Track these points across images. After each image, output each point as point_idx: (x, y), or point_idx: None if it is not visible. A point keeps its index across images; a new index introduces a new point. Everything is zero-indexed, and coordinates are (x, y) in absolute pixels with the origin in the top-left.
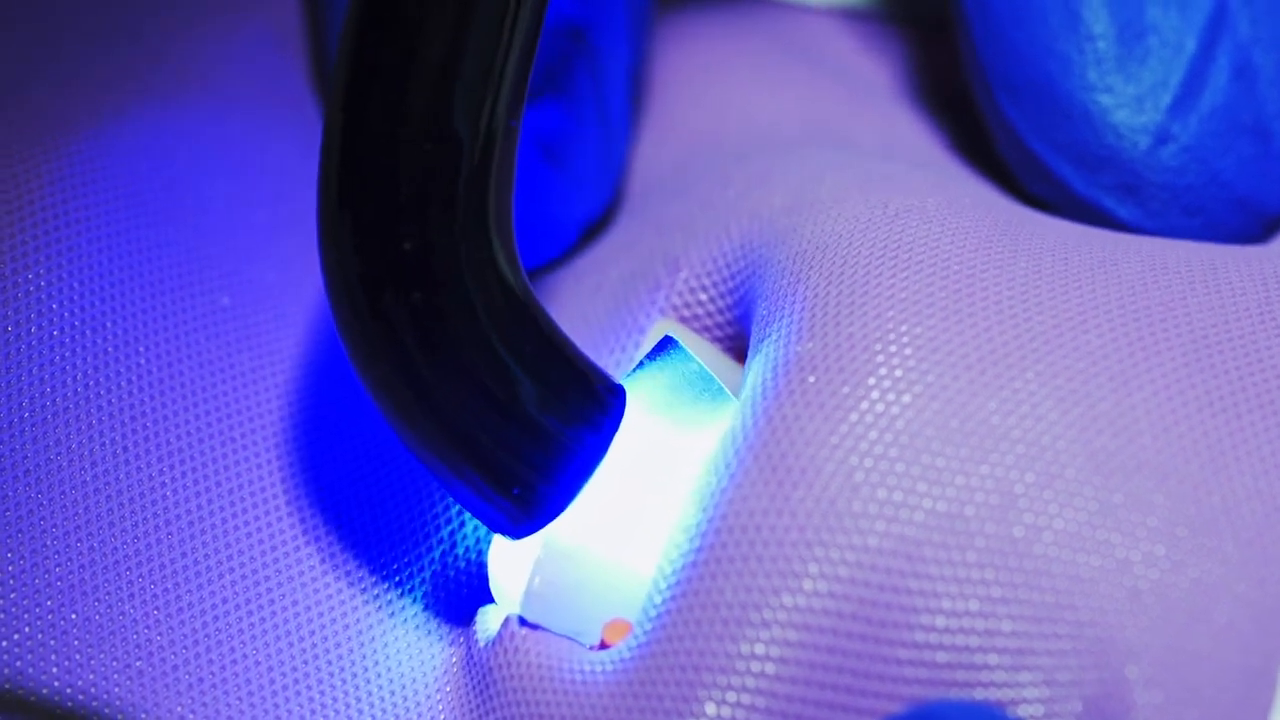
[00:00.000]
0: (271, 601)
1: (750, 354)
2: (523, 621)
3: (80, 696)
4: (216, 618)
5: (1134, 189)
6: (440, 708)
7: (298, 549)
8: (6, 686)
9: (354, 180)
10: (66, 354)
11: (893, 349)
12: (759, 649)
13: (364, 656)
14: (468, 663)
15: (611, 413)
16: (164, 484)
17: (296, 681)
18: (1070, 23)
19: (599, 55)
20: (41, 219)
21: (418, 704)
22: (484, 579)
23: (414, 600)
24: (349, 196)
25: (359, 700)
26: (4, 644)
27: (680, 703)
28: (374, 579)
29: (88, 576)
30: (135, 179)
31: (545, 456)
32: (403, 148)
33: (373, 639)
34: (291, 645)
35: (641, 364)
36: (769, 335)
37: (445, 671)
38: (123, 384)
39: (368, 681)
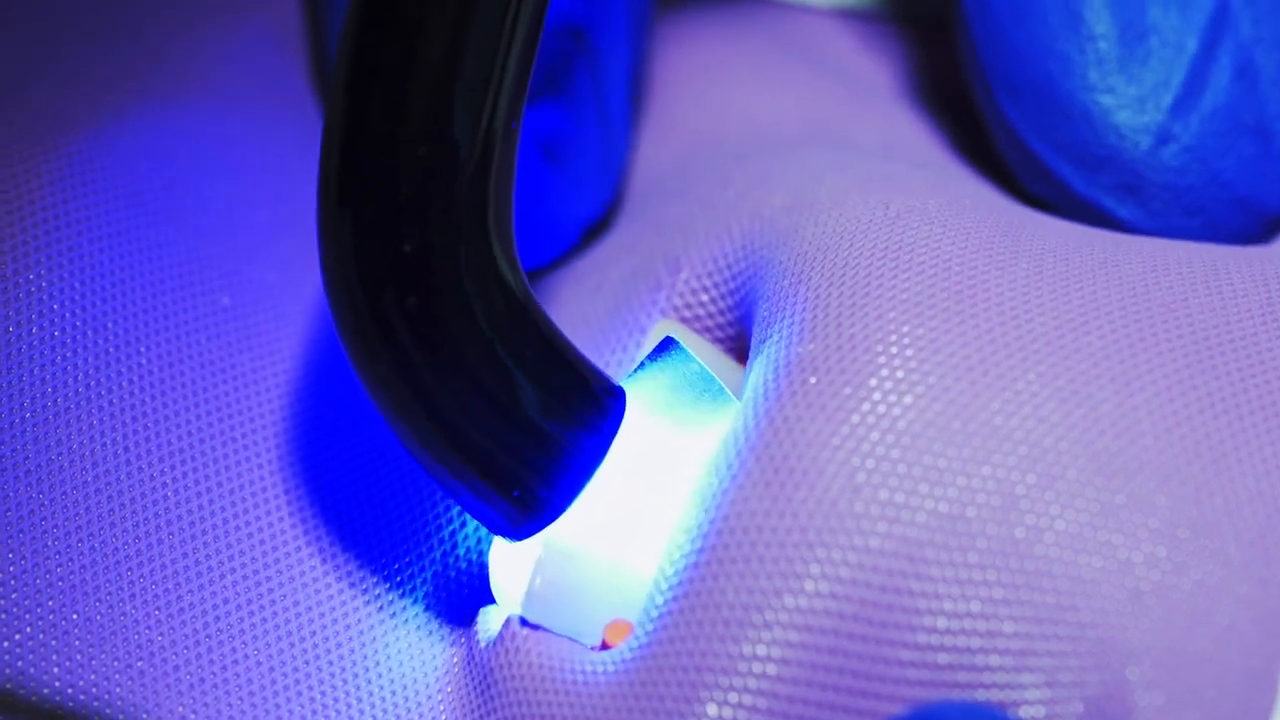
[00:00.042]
0: (273, 601)
1: (751, 355)
2: (524, 622)
3: (81, 696)
4: (218, 618)
5: (1135, 189)
6: (441, 708)
7: (299, 549)
8: (8, 686)
9: (354, 181)
10: (67, 354)
11: (894, 350)
12: (760, 650)
13: (365, 657)
14: (469, 663)
15: (611, 415)
16: (165, 484)
17: (298, 681)
18: (1071, 23)
19: (599, 55)
20: (42, 219)
21: (419, 704)
22: (485, 579)
23: (415, 600)
24: (349, 197)
25: (360, 700)
26: (5, 644)
27: (682, 703)
28: (375, 579)
29: (89, 576)
30: (135, 179)
31: (545, 459)
32: (402, 148)
33: (374, 639)
34: (293, 645)
35: (642, 364)
36: (770, 336)
37: (446, 672)
38: (124, 384)
39: (369, 682)
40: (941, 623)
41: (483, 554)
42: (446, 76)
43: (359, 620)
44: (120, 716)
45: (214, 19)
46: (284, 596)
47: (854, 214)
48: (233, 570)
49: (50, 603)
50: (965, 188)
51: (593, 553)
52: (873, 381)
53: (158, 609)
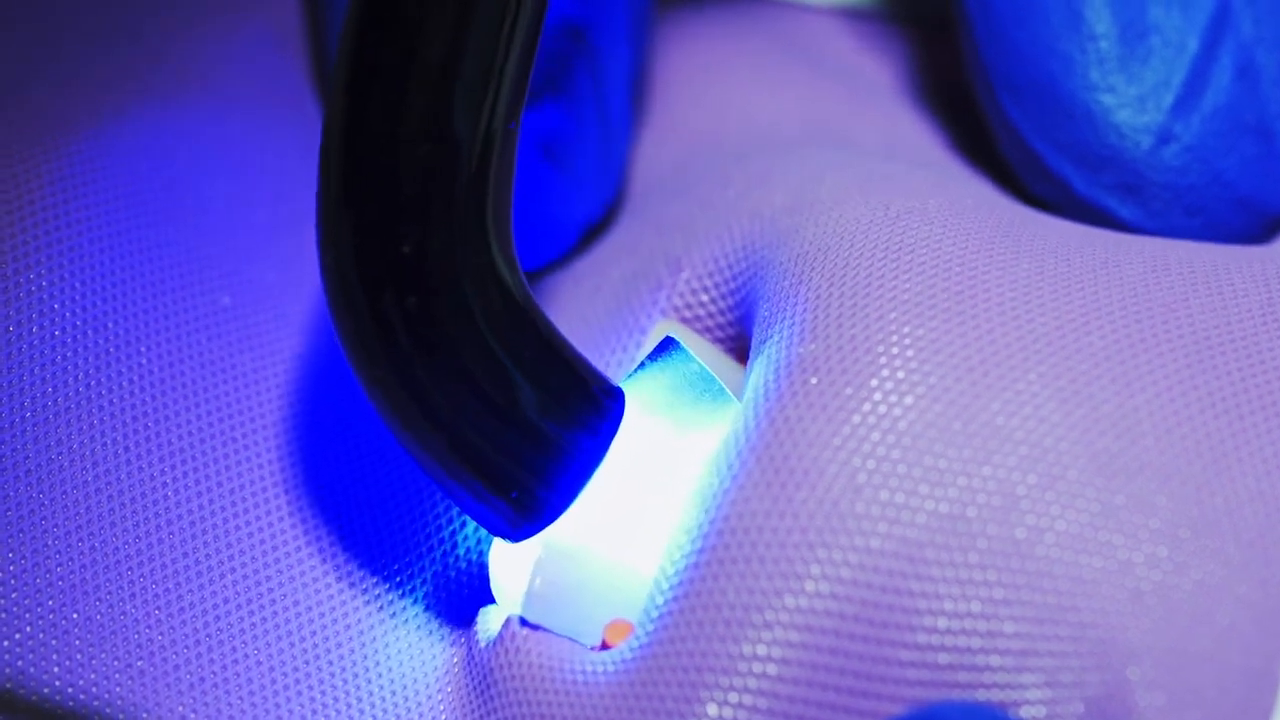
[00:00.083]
0: (273, 601)
1: (752, 355)
2: (524, 622)
3: (81, 696)
4: (218, 618)
5: (1136, 189)
6: (441, 708)
7: (299, 549)
8: (8, 686)
9: (353, 181)
10: (68, 354)
11: (895, 350)
12: (761, 650)
13: (365, 657)
14: (469, 663)
15: (610, 416)
16: (165, 484)
17: (298, 681)
18: (1072, 22)
19: (599, 55)
20: (42, 219)
21: (419, 704)
22: (485, 579)
23: (415, 600)
24: (348, 197)
25: (360, 700)
26: (5, 644)
27: (682, 703)
28: (375, 579)
29: (89, 576)
30: (135, 179)
31: (543, 460)
32: (402, 149)
33: (374, 639)
34: (293, 645)
35: (643, 365)
36: (771, 336)
37: (446, 672)
38: (124, 384)
39: (369, 682)
40: (942, 623)
41: (483, 554)
42: (446, 77)
43: (359, 620)
44: (120, 716)
45: (214, 19)
46: (284, 596)
47: (854, 214)
48: (233, 570)
49: (50, 602)
50: (966, 188)
51: (593, 553)
52: (874, 382)
53: (158, 609)
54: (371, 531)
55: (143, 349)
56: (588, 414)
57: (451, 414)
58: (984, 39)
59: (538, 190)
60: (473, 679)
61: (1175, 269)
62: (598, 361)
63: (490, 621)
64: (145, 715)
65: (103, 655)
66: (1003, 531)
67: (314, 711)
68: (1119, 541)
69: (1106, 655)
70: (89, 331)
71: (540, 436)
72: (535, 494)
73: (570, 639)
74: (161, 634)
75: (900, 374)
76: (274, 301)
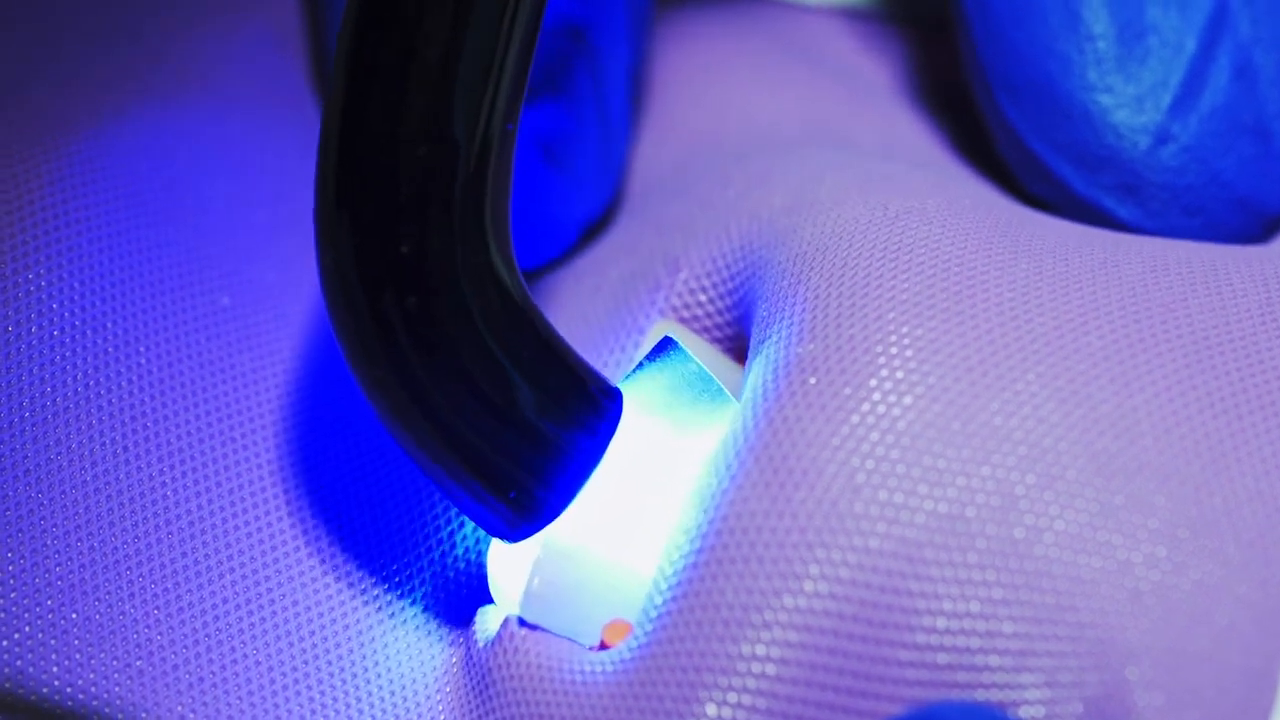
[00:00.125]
0: (272, 601)
1: (750, 355)
2: (522, 622)
3: (80, 696)
4: (217, 618)
5: (1134, 189)
6: (440, 708)
7: (298, 549)
8: (7, 686)
9: (352, 181)
10: (67, 354)
11: (894, 350)
12: (760, 650)
13: (364, 657)
14: (467, 663)
15: (608, 416)
16: (164, 484)
17: (297, 681)
18: (1070, 23)
19: (599, 55)
20: (42, 219)
21: (417, 704)
22: (483, 579)
23: (414, 600)
24: (347, 197)
25: (359, 700)
26: (4, 643)
27: (681, 703)
28: (374, 579)
29: (88, 576)
30: (135, 179)
31: (541, 460)
32: (401, 149)
33: (372, 639)
34: (292, 645)
35: (641, 365)
36: (769, 336)
37: (445, 672)
38: (123, 384)
39: (368, 682)
40: (941, 623)
41: (481, 554)
42: (445, 77)
43: (358, 620)
44: (120, 716)
45: (214, 19)
46: (283, 596)
47: (853, 214)
48: (232, 570)
49: (49, 602)
50: (965, 188)
51: (591, 553)
52: (872, 382)
53: (157, 608)
54: (370, 531)
55: (142, 349)
56: (586, 414)
57: (450, 414)
58: (982, 39)
59: (537, 190)
60: (471, 679)
61: (1174, 269)
62: (596, 361)
63: (489, 621)
64: (145, 715)
65: (102, 655)
66: (1001, 531)
67: (313, 711)
68: (1118, 541)
69: (1105, 655)
70: (88, 331)
71: (538, 437)
72: (533, 494)
73: (569, 639)
74: (161, 634)
75: (899, 374)
76: (274, 302)
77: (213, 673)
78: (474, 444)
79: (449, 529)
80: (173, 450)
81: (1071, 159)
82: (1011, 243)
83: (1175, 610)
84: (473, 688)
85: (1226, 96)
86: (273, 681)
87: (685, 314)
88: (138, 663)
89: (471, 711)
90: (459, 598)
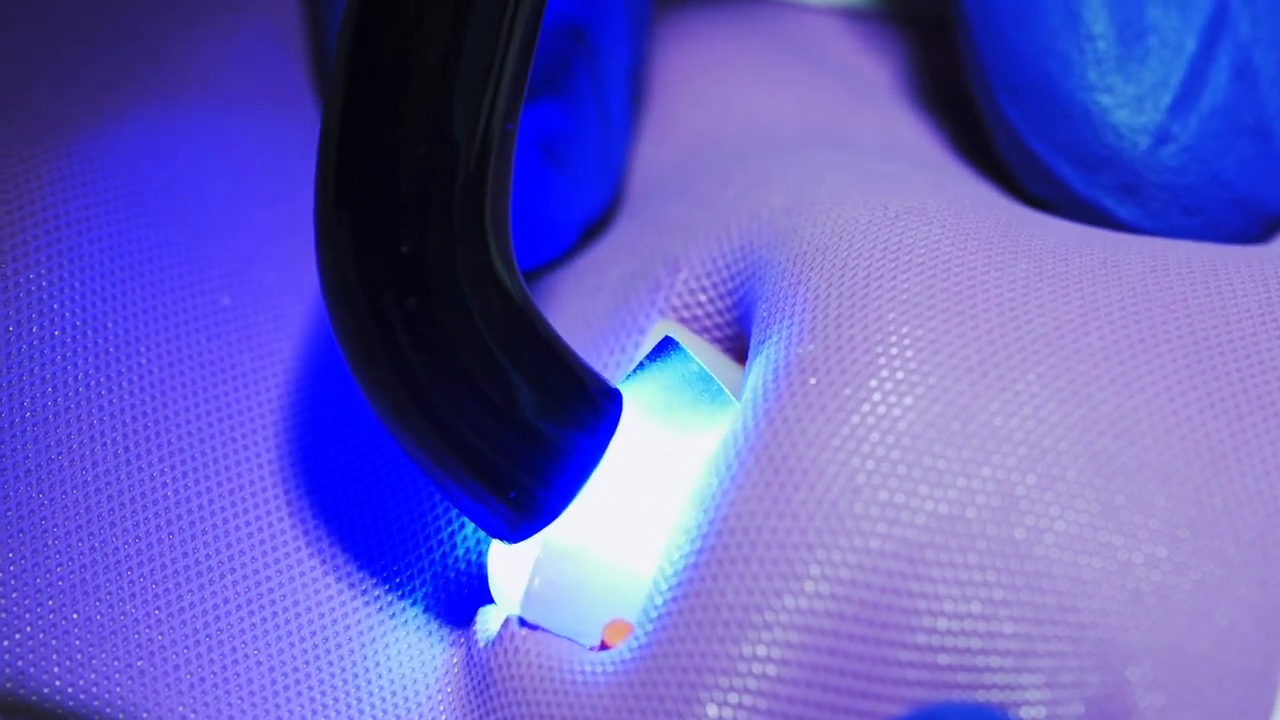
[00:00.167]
0: (272, 602)
1: (751, 355)
2: (522, 622)
3: (81, 696)
4: (218, 618)
5: (1134, 189)
6: (441, 708)
7: (298, 549)
8: (8, 686)
9: (351, 182)
10: (67, 354)
11: (894, 351)
12: (760, 650)
13: (365, 657)
14: (468, 663)
15: (607, 417)
16: (165, 484)
17: (298, 682)
18: (1070, 23)
19: (599, 55)
20: (42, 219)
21: (418, 704)
22: (484, 579)
23: (414, 601)
24: (346, 198)
25: (360, 700)
26: (5, 644)
27: (681, 704)
28: (375, 579)
29: (89, 576)
30: (135, 179)
31: (541, 461)
32: (400, 150)
33: (373, 639)
34: (292, 645)
35: (641, 365)
36: (770, 337)
37: (446, 672)
38: (124, 384)
39: (368, 682)
40: (942, 623)
41: (482, 554)
42: (445, 77)
43: (359, 620)
44: (120, 716)
45: (214, 19)
46: (284, 596)
47: (853, 214)
48: (232, 570)
49: (50, 602)
50: (965, 188)
51: (591, 553)
52: (873, 382)
53: (158, 609)
54: (371, 532)
55: (142, 349)
56: (586, 415)
57: (449, 415)
58: (982, 39)
59: (537, 189)
60: (472, 679)
61: (1174, 269)
62: (596, 361)
63: (489, 622)
64: (145, 715)
65: (103, 655)
66: (1002, 532)
67: (314, 712)
68: (1118, 542)
69: (1106, 656)
70: (89, 331)
71: (538, 437)
72: (533, 495)
73: (569, 639)
74: (161, 634)
75: (899, 374)
76: (274, 302)
77: (214, 673)
78: (474, 444)
79: (449, 529)
80: (173, 450)
81: (1071, 159)
82: (1011, 243)
83: (1176, 610)
84: (473, 688)
85: (1226, 96)
86: (274, 682)
87: (685, 314)
88: (139, 663)
89: (472, 712)
90: (459, 598)
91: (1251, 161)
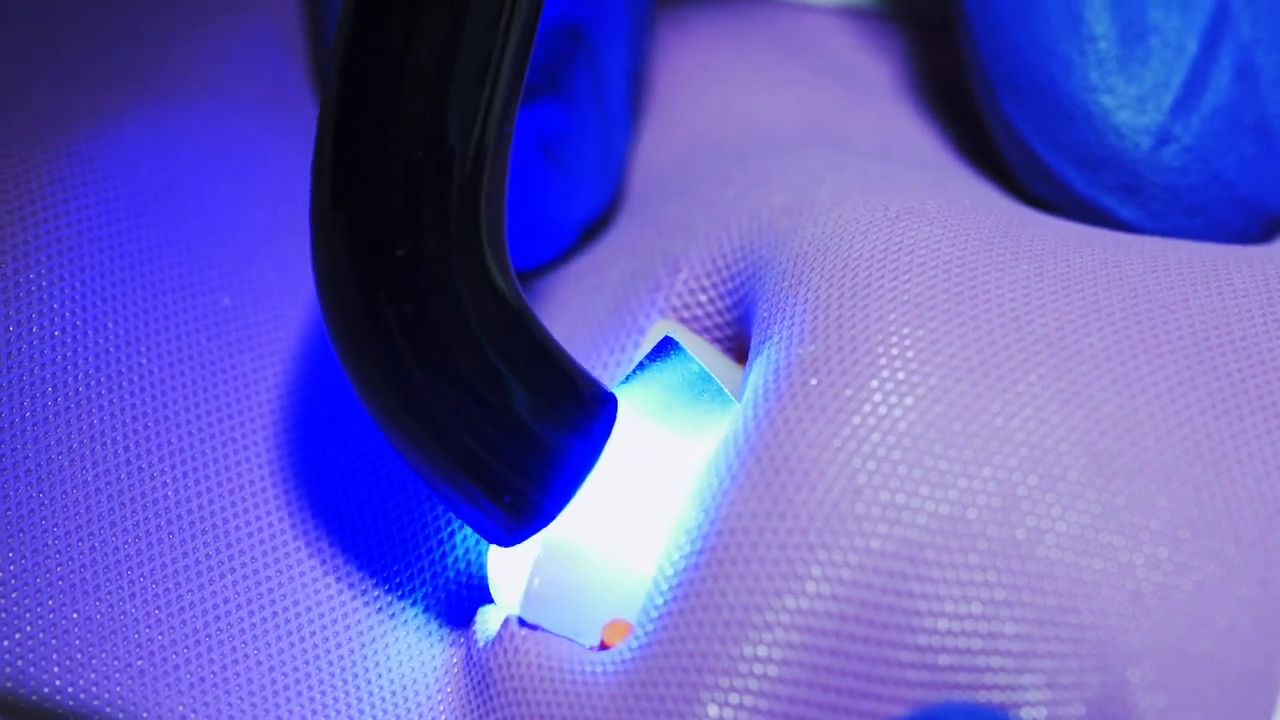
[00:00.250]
0: (272, 601)
1: (751, 355)
2: (522, 622)
3: (81, 696)
4: (218, 617)
5: (1136, 189)
6: (441, 708)
7: (299, 549)
8: (8, 686)
9: (347, 183)
10: (68, 353)
11: (895, 351)
12: (761, 651)
13: (365, 657)
14: (468, 663)
15: (602, 420)
16: (165, 484)
17: (297, 681)
18: (1072, 24)
19: (599, 55)
20: (42, 219)
21: (418, 704)
22: (484, 579)
23: (414, 601)
24: (342, 200)
25: (359, 700)
26: (5, 643)
27: (682, 704)
28: (374, 579)
29: (89, 576)
30: (135, 179)
31: (537, 464)
32: (395, 152)
33: (373, 639)
34: (292, 645)
35: (641, 365)
36: (770, 337)
37: (445, 672)
38: (124, 384)
39: (368, 682)
40: (943, 624)
41: (481, 554)
42: (441, 80)
43: (359, 620)
44: (120, 716)
45: (214, 19)
46: (284, 596)
47: (853, 215)
48: (232, 570)
49: (50, 602)
50: (965, 188)
51: (591, 552)
52: (874, 383)
53: (158, 608)
54: (371, 532)
55: (142, 349)
56: (581, 418)
57: (444, 418)
58: (984, 39)
59: (537, 189)
60: (472, 679)
61: (1175, 269)
62: (596, 361)
63: (489, 622)
64: (145, 715)
65: (103, 655)
66: (1003, 533)
67: (314, 712)
68: (1119, 543)
69: (1107, 656)
70: (89, 331)
71: (533, 441)
72: (528, 498)
73: (569, 639)
74: (161, 634)
75: (900, 375)
76: (274, 302)
77: (214, 673)
78: (468, 448)
79: (449, 529)
80: (174, 450)
81: (1073, 160)
82: (1012, 243)
83: (1177, 611)
84: (473, 688)
85: (1228, 97)
86: (273, 681)
87: (685, 314)
88: (139, 663)
89: (472, 712)
90: (459, 598)
91: (1253, 161)
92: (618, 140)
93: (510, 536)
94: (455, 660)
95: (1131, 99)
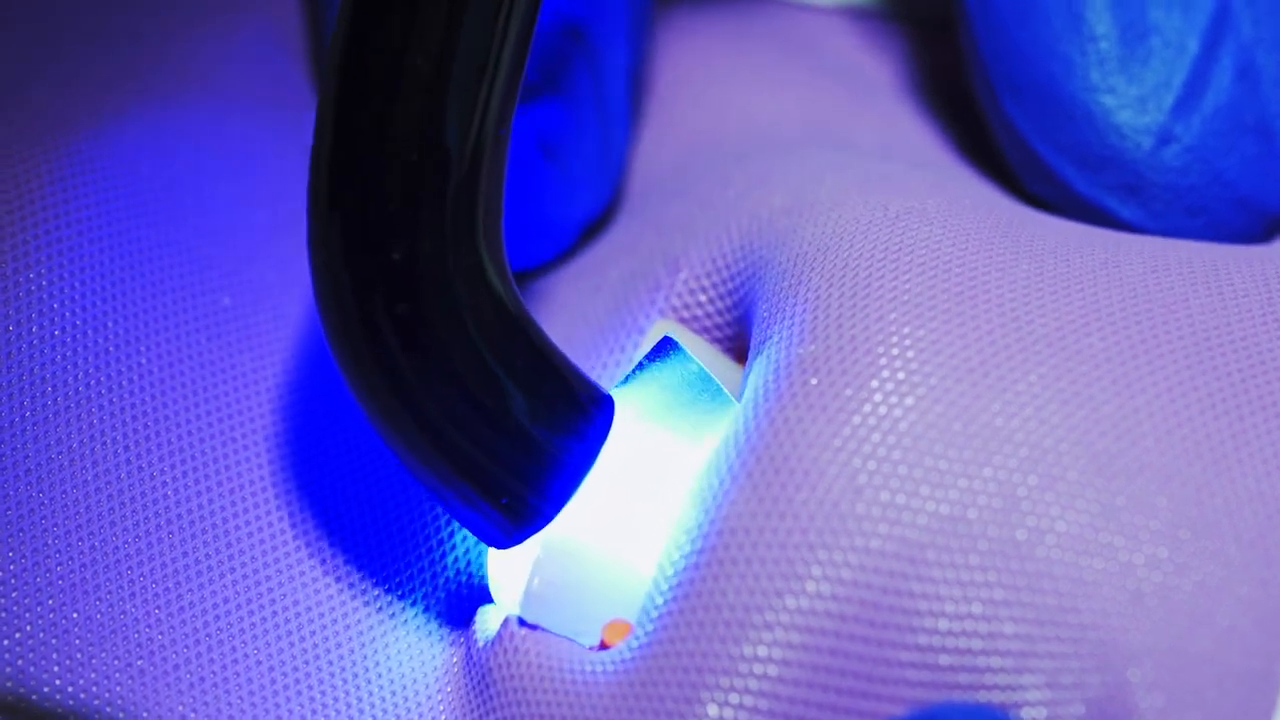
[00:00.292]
0: (273, 601)
1: (751, 355)
2: (522, 622)
3: (82, 695)
4: (218, 617)
5: (1137, 189)
6: (441, 708)
7: (299, 549)
8: (8, 685)
9: (344, 185)
10: (68, 353)
11: (895, 351)
12: (761, 650)
13: (365, 657)
14: (467, 663)
15: (599, 422)
16: (165, 483)
17: (298, 681)
18: (1073, 24)
19: (599, 55)
20: (42, 219)
21: (418, 704)
22: (483, 579)
23: (414, 600)
24: (338, 202)
25: (360, 700)
26: (5, 643)
27: (682, 704)
28: (374, 579)
29: (89, 575)
30: (135, 179)
31: (533, 467)
32: (392, 154)
33: (373, 639)
34: (293, 645)
35: (641, 365)
36: (770, 337)
37: (446, 672)
38: (124, 383)
39: (368, 682)
40: (943, 624)
41: (481, 554)
42: (438, 82)
43: (359, 620)
44: (120, 716)
45: (214, 19)
46: (284, 596)
47: (853, 215)
48: (232, 570)
49: (50, 601)
50: (965, 188)
51: (591, 552)
52: (874, 383)
53: (158, 608)
54: (371, 531)
55: (142, 349)
56: (577, 421)
57: (440, 420)
58: (985, 39)
59: (537, 189)
60: (471, 679)
61: (1175, 269)
62: (596, 361)
63: (488, 621)
64: (145, 715)
65: (103, 655)
66: (1003, 533)
67: (314, 711)
68: (1119, 543)
69: (1107, 656)
70: (89, 331)
71: (530, 443)
72: (525, 500)
73: (569, 639)
74: (161, 634)
75: (900, 375)
76: (274, 302)
77: (214, 672)
78: (464, 450)
79: (449, 529)
80: (174, 450)
81: (1074, 160)
82: (1012, 243)
83: (1177, 611)
84: (473, 688)
85: (1229, 97)
86: (274, 681)
87: (685, 314)
88: (139, 662)
89: (472, 712)
90: (459, 598)
91: (1254, 161)
92: (618, 140)
93: (507, 539)
94: (455, 660)
95: (1132, 99)
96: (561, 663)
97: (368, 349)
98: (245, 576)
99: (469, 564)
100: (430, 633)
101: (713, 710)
